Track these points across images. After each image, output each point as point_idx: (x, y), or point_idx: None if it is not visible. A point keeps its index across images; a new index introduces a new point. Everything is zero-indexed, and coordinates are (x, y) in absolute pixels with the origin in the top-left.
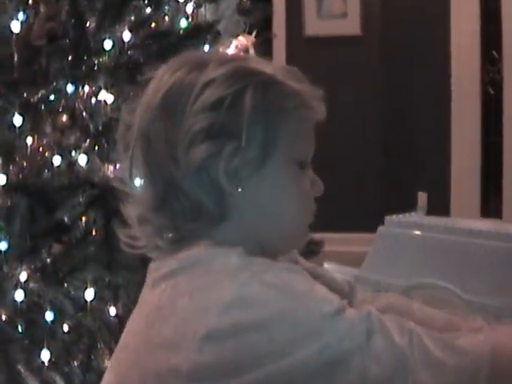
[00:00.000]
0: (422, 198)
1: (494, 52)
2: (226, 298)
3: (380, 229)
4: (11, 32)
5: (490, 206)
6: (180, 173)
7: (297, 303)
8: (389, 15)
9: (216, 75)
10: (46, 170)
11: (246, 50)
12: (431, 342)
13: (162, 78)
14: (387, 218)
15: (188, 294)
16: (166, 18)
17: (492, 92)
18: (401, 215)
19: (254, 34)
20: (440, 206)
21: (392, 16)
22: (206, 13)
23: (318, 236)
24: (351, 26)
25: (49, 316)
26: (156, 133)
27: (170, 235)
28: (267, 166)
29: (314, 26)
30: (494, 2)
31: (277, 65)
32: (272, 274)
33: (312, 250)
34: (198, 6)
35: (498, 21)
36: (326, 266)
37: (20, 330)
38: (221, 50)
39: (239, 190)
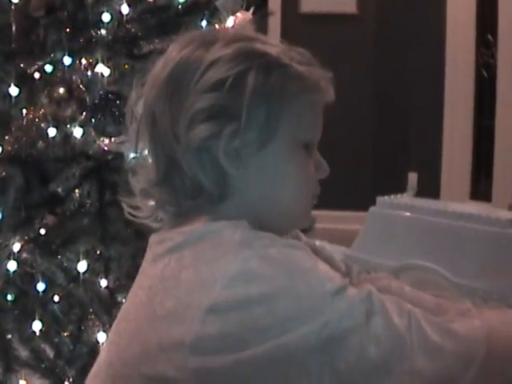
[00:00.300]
0: (413, 178)
1: (489, 35)
2: (230, 271)
3: (371, 209)
4: (10, 2)
5: (480, 189)
6: (180, 151)
7: (299, 280)
8: None
9: (221, 55)
10: (41, 142)
11: (244, 27)
12: (429, 325)
13: (170, 54)
14: (379, 199)
15: (193, 267)
16: None
17: (486, 75)
18: (392, 196)
19: (251, 10)
20: (430, 187)
21: None
22: None
23: None
24: (347, 3)
25: (40, 287)
26: (161, 109)
27: (172, 209)
28: (269, 147)
29: (309, 2)
30: None
31: (285, 46)
32: (276, 250)
33: (303, 228)
34: None
35: (494, 4)
36: (318, 243)
37: (11, 299)
38: (228, 27)
39: (240, 170)
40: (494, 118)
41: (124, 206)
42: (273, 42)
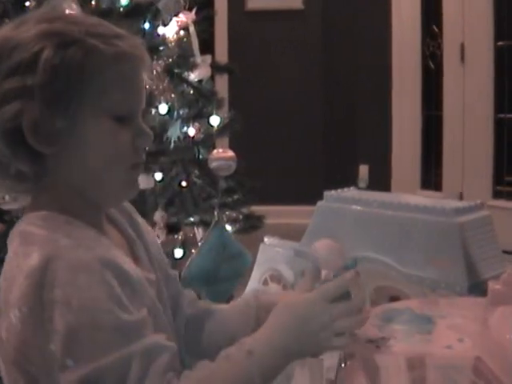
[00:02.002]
0: (363, 171)
1: (435, 26)
2: (26, 270)
3: (318, 204)
4: None
5: (431, 179)
6: None
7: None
8: None
9: (22, 37)
10: None
11: (186, 27)
12: None
13: None
14: (326, 193)
15: (7, 263)
16: None
17: (432, 66)
18: (339, 190)
19: (193, 11)
20: (381, 179)
21: None
22: None
23: (258, 210)
24: None
25: None
26: None
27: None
28: (75, 123)
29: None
30: None
31: (93, 22)
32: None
33: (253, 225)
34: None
35: None
36: (267, 240)
37: None
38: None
39: (51, 148)
40: (441, 108)
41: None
42: (80, 21)
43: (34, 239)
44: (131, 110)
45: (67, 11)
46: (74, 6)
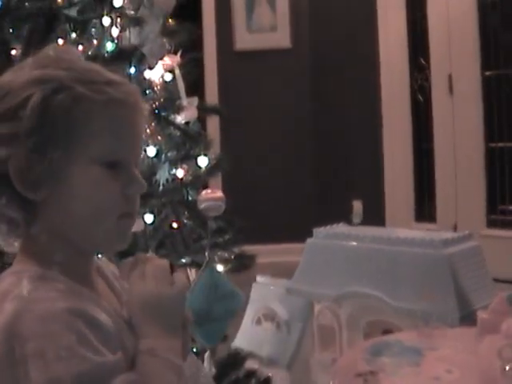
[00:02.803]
0: (357, 206)
1: (422, 59)
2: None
3: (308, 241)
4: None
5: (424, 212)
6: None
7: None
8: (318, 27)
9: (15, 83)
10: None
11: (172, 71)
12: None
13: None
14: (315, 230)
15: None
16: (94, 41)
17: (421, 99)
18: (328, 226)
19: (178, 54)
20: (375, 213)
21: (321, 27)
22: (131, 36)
23: (250, 249)
24: (281, 38)
25: None
26: None
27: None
28: (62, 169)
29: (244, 39)
30: (420, 10)
31: (85, 68)
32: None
33: (245, 264)
34: (122, 29)
35: (425, 28)
36: (259, 279)
37: None
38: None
39: (38, 194)
40: (432, 140)
41: None
42: (73, 66)
43: (7, 296)
44: (122, 157)
45: (64, 55)
46: (73, 49)
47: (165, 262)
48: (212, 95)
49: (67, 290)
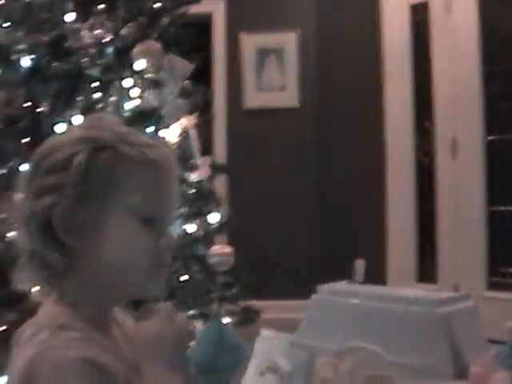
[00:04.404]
0: (360, 264)
1: (427, 123)
2: (18, 368)
3: (313, 297)
4: None
5: (426, 272)
6: (24, 224)
7: None
8: (326, 87)
9: (63, 140)
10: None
11: (187, 131)
12: None
13: None
14: (319, 287)
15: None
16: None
17: (425, 161)
18: (332, 284)
19: (194, 115)
20: (377, 272)
21: (329, 88)
22: (150, 97)
23: (255, 304)
24: (289, 97)
25: (1, 380)
26: (23, 189)
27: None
28: (101, 221)
29: (253, 98)
30: (426, 74)
31: (126, 132)
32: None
33: (250, 318)
34: (142, 90)
35: (430, 91)
36: (264, 333)
37: None
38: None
39: (78, 243)
40: (434, 201)
41: (13, 278)
42: (115, 129)
43: (28, 342)
44: (155, 214)
45: (107, 119)
46: (113, 116)
47: (168, 304)
48: (220, 151)
49: (83, 339)
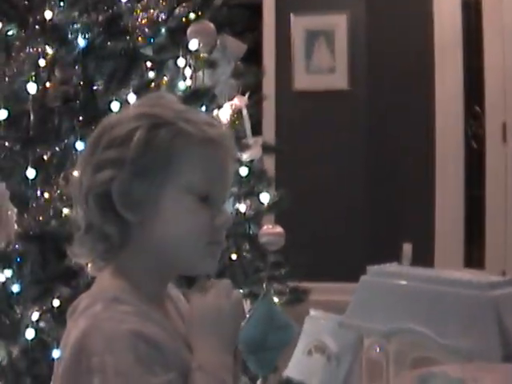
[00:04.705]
0: (407, 248)
1: (477, 107)
2: (72, 340)
3: (362, 278)
4: (28, 93)
5: (474, 257)
6: (82, 196)
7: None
8: (375, 70)
9: (123, 116)
10: (56, 220)
11: (240, 111)
12: None
13: None
14: (369, 268)
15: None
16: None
17: (475, 146)
18: (382, 265)
19: (246, 95)
20: (425, 256)
21: (379, 71)
22: (204, 77)
23: (304, 285)
24: (339, 80)
25: (56, 354)
26: (81, 165)
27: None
28: (159, 196)
29: (302, 80)
30: (477, 60)
31: (185, 109)
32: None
33: (299, 298)
34: (196, 70)
35: (481, 77)
36: (312, 313)
37: (26, 366)
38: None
39: (136, 217)
40: (484, 187)
41: (69, 253)
42: (175, 107)
43: (83, 314)
44: (212, 192)
45: (166, 97)
46: (171, 95)
47: (226, 281)
48: (269, 133)
49: (135, 313)
